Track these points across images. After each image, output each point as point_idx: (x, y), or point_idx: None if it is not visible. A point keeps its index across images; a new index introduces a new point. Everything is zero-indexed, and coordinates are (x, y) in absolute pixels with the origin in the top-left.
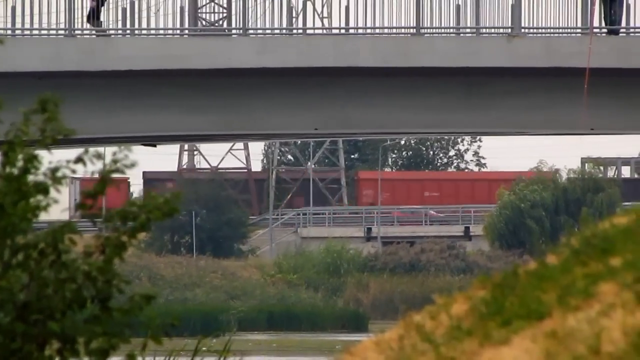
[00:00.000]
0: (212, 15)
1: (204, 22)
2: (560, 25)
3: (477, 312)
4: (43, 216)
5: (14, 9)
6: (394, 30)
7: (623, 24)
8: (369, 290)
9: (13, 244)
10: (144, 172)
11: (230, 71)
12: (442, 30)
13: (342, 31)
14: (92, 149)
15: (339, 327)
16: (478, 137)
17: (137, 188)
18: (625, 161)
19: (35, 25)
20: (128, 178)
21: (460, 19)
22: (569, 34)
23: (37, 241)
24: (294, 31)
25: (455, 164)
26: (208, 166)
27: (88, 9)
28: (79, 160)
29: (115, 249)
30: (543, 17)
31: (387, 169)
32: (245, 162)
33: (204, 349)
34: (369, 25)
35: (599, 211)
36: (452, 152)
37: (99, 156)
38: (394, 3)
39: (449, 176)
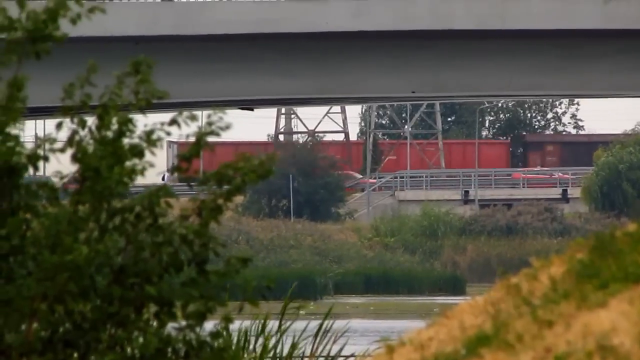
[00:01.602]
0: None
1: None
2: None
3: (575, 274)
4: (140, 180)
5: None
6: None
7: None
8: (466, 253)
9: (109, 208)
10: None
11: (327, 34)
12: None
13: None
14: (186, 111)
15: (436, 290)
16: (575, 100)
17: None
18: None
19: None
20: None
21: None
22: None
23: (133, 205)
24: None
25: (552, 127)
26: (305, 129)
27: None
28: (174, 122)
29: (211, 212)
30: None
31: (484, 132)
32: (342, 125)
33: (302, 312)
34: None
35: None
36: (549, 115)
37: (193, 118)
38: None
39: None
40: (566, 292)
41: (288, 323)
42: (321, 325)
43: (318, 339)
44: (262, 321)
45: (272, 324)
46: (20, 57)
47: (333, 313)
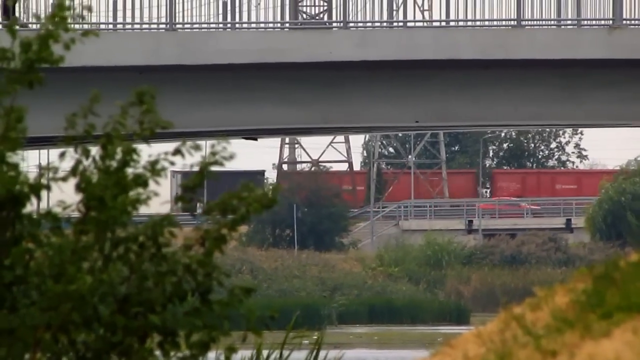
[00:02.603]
0: (313, 8)
1: (304, 15)
2: None
3: (578, 304)
4: (143, 209)
5: (115, 3)
6: (494, 23)
7: None
8: (470, 283)
9: (113, 237)
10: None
11: (331, 64)
12: (543, 22)
13: (443, 24)
14: (190, 141)
15: (440, 320)
16: (579, 130)
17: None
18: None
19: (136, 20)
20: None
21: (561, 10)
22: None
23: (137, 234)
24: (394, 24)
25: (556, 157)
26: (309, 159)
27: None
28: (177, 151)
29: (215, 241)
30: None
31: (488, 162)
32: (346, 155)
33: (305, 341)
34: (469, 17)
35: None
36: (553, 145)
37: (197, 147)
38: None
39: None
40: (570, 321)
41: (291, 353)
42: (316, 355)
43: None
44: (268, 351)
45: (276, 354)
46: (17, 87)
47: (336, 342)
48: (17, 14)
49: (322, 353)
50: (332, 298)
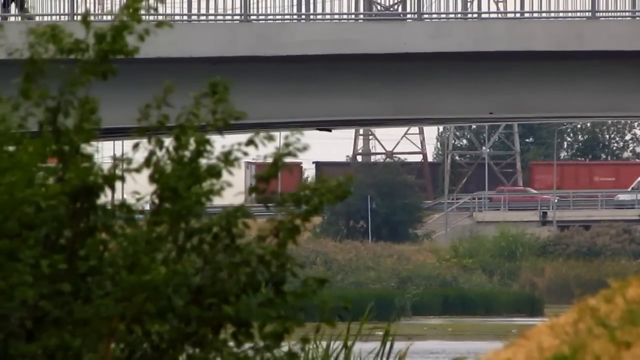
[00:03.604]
0: None
1: (378, 7)
2: None
3: None
4: (217, 200)
5: None
6: (569, 14)
7: None
8: (544, 275)
9: (187, 228)
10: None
11: (405, 55)
12: (618, 14)
13: (517, 15)
14: (263, 132)
15: (514, 311)
16: None
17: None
18: None
19: (211, 11)
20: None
21: (636, 1)
22: None
23: (211, 225)
24: (469, 15)
25: (631, 148)
26: (383, 150)
27: None
28: (250, 142)
29: (289, 232)
30: None
31: (563, 153)
32: (420, 146)
33: (378, 332)
34: (544, 8)
35: None
36: (628, 136)
37: (270, 138)
38: None
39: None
40: None
41: (364, 344)
42: (385, 346)
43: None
44: (343, 342)
45: (351, 345)
46: (90, 78)
47: (410, 334)
48: (26, 6)
49: (390, 344)
50: (403, 289)
